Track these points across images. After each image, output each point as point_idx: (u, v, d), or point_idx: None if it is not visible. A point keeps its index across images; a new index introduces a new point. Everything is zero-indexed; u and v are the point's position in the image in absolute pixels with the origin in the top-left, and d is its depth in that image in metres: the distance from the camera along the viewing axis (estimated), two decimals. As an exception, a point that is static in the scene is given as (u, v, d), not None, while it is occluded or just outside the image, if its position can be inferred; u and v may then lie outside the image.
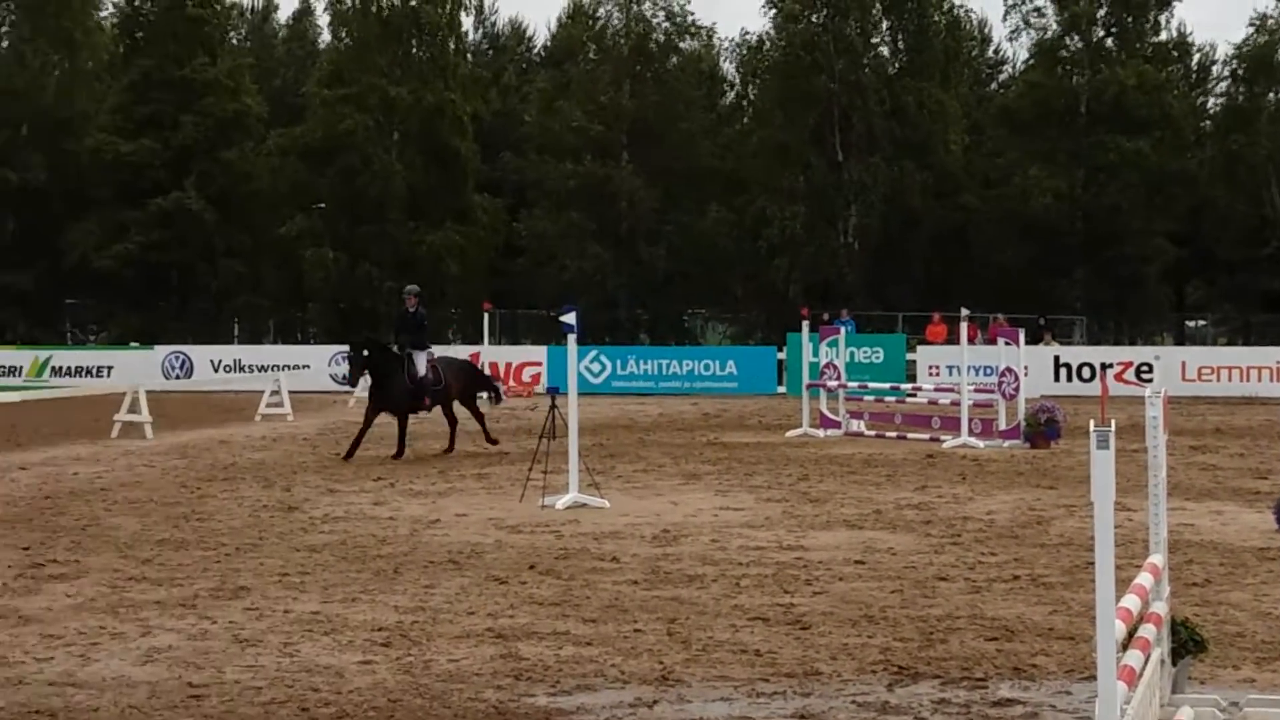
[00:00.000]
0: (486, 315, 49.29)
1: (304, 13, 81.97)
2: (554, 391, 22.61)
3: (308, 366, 49.29)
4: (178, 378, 51.31)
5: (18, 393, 36.13)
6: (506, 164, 67.52)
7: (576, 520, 18.24)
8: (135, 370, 48.73)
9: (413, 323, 27.49)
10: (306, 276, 63.21)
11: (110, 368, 52.79)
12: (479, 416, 28.66)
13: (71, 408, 38.54)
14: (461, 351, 49.27)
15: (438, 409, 28.13)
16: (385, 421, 27.61)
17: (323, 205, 63.41)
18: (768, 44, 65.50)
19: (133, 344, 57.25)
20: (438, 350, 29.15)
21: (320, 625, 12.25)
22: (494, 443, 28.17)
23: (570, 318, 20.28)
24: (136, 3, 67.78)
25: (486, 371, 31.36)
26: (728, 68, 71.40)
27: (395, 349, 27.33)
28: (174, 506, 19.93)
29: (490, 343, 50.15)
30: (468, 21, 71.33)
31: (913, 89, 62.24)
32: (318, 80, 65.78)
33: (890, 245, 62.85)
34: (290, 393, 39.04)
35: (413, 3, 64.51)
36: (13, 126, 65.09)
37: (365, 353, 27.21)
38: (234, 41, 73.43)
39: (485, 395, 30.40)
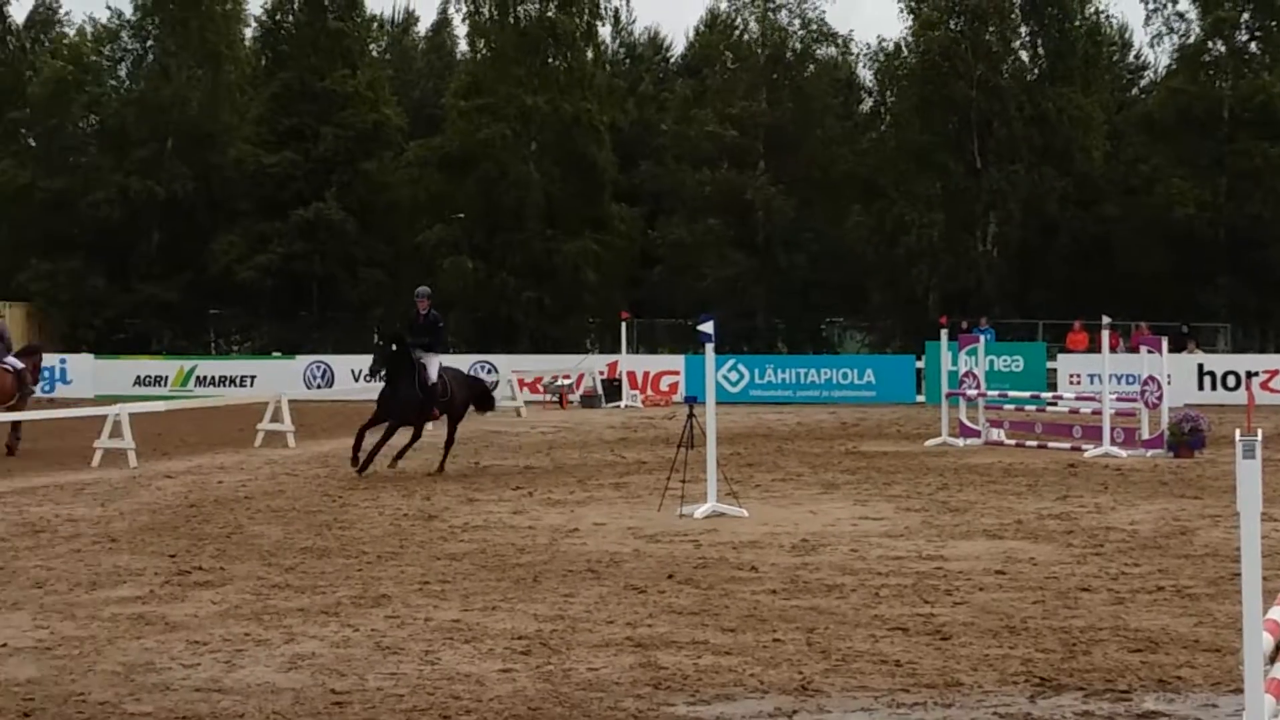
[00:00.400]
0: (624, 324, 49.40)
1: (442, 24, 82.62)
2: (692, 401, 22.62)
3: (447, 376, 49.59)
4: (319, 387, 51.84)
5: (164, 402, 36.68)
6: (643, 173, 67.59)
7: (715, 529, 18.23)
8: (277, 379, 49.28)
9: (425, 327, 26.03)
10: (444, 286, 63.59)
11: (253, 377, 53.46)
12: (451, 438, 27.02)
13: (216, 417, 39.06)
14: (600, 361, 49.55)
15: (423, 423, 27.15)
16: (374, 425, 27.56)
17: (461, 215, 63.78)
18: (905, 51, 65.15)
19: (275, 353, 57.92)
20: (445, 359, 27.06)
21: (461, 633, 12.32)
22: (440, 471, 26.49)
23: (708, 327, 20.28)
24: (278, 16, 68.58)
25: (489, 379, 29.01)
26: (865, 75, 71.13)
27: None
28: (316, 515, 20.14)
29: (628, 352, 50.23)
30: (604, 31, 71.56)
31: (1053, 95, 61.58)
32: (455, 91, 66.17)
33: (1030, 253, 62.24)
34: (430, 402, 39.22)
35: (550, 14, 64.74)
36: (158, 140, 66.00)
37: (393, 347, 25.62)
38: (374, 53, 74.00)
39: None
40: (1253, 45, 62.79)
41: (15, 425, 30.45)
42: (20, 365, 31.40)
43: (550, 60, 65.10)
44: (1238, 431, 7.37)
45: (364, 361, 54.35)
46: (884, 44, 66.95)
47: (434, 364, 25.85)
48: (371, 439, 25.34)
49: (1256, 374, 43.76)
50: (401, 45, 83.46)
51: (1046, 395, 36.23)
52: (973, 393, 32.00)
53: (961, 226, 62.04)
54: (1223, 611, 12.77)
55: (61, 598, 14.13)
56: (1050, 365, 46.86)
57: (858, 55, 69.46)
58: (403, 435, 26.51)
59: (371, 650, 11.76)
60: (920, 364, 46.88)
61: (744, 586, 14.33)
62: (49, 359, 56.01)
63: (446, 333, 26.98)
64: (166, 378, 54.00)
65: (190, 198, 65.49)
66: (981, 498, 21.61)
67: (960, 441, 31.19)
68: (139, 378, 53.83)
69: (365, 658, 11.51)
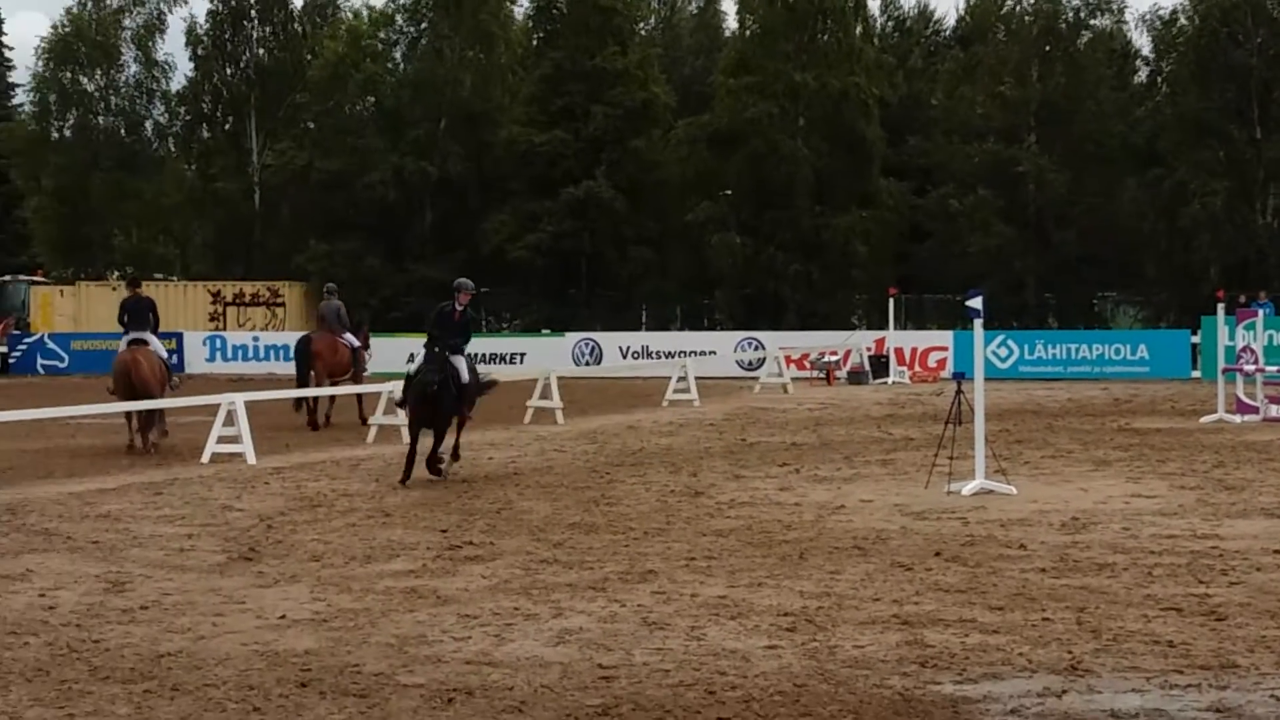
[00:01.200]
0: (891, 300, 49.11)
1: (710, 1, 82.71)
2: (960, 377, 22.38)
3: (714, 352, 49.82)
4: (587, 364, 52.37)
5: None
6: (912, 148, 67.09)
7: (983, 507, 18.05)
8: (546, 357, 49.93)
9: (458, 325, 22.79)
10: (712, 263, 63.73)
11: (523, 354, 54.17)
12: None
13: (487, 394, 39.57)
14: (867, 337, 49.30)
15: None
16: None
17: (729, 192, 63.89)
18: (1182, 18, 63.81)
19: (544, 331, 58.61)
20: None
21: (726, 609, 12.35)
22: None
23: (977, 302, 20.08)
24: (548, -4, 69.31)
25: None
26: (1140, 43, 69.72)
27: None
28: (584, 491, 20.34)
29: (895, 328, 49.94)
30: (874, 5, 71.17)
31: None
32: (724, 69, 66.29)
33: (1313, 224, 60.61)
34: (697, 378, 39.44)
35: (819, -11, 64.57)
36: (432, 121, 67.14)
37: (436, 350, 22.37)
38: (643, 32, 74.34)
39: None
40: None
41: (358, 399, 33.37)
42: (356, 342, 34.40)
43: (819, 36, 64.86)
44: None
45: (632, 339, 55.36)
46: (1160, 11, 65.72)
47: (463, 365, 22.78)
48: (423, 444, 22.27)
49: None
50: (670, 23, 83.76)
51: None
52: (1251, 368, 31.24)
53: (1241, 197, 60.52)
54: None
55: (338, 571, 14.46)
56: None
57: (1133, 24, 68.20)
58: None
59: (638, 625, 11.84)
60: (1196, 339, 45.88)
61: (1012, 564, 14.18)
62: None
63: (470, 337, 23.62)
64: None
65: (463, 177, 66.48)
66: (1259, 475, 21.11)
67: (1237, 418, 30.47)
68: (412, 355, 54.61)
69: (632, 633, 11.60)
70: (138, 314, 28.58)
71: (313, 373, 33.06)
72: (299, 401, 32.50)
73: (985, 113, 63.37)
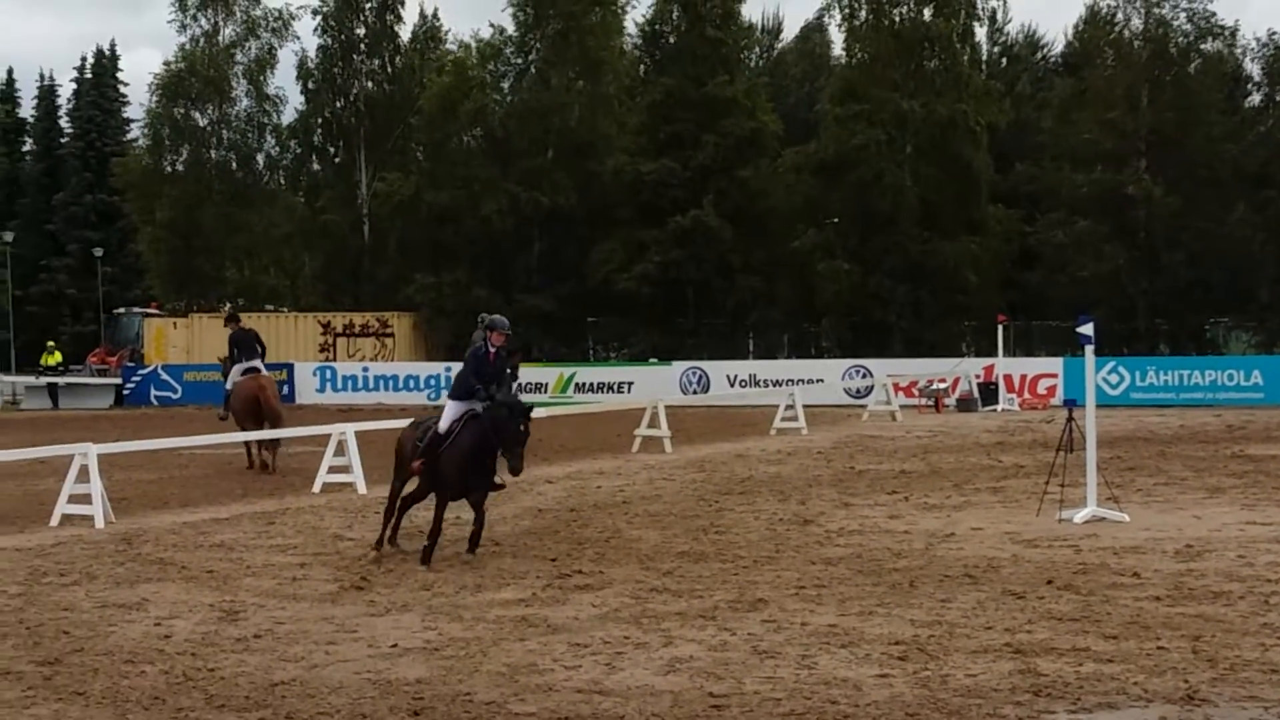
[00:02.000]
0: (1001, 327, 48.80)
1: (812, 29, 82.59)
2: (1071, 404, 22.21)
3: (821, 380, 49.67)
4: (695, 392, 52.35)
5: (544, 408, 37.42)
6: (1020, 174, 66.74)
7: (1095, 534, 17.90)
8: (654, 385, 49.96)
9: (496, 373, 17.75)
10: (819, 290, 63.61)
11: (630, 383, 54.24)
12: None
13: (595, 423, 39.70)
14: (976, 364, 49.00)
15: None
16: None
17: (835, 220, 63.78)
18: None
19: (651, 360, 58.66)
20: None
21: (837, 638, 12.33)
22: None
23: (1088, 329, 19.97)
24: (658, 25, 69.37)
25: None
26: (1252, 68, 69.07)
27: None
28: (693, 519, 20.33)
29: (1005, 355, 49.63)
30: (980, 32, 70.83)
31: None
32: (831, 97, 66.21)
33: None
34: (804, 406, 39.35)
35: (925, 16, 64.37)
36: (540, 151, 67.42)
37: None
38: (750, 61, 74.34)
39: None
40: None
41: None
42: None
43: (925, 63, 64.68)
44: None
45: (739, 367, 55.29)
46: (1274, 36, 65.12)
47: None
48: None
49: None
50: (774, 51, 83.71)
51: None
52: (1368, 393, 30.84)
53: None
54: None
55: (448, 599, 14.54)
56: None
57: (1244, 49, 67.63)
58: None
59: (748, 654, 11.84)
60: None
61: (1126, 592, 14.06)
62: (436, 366, 57.78)
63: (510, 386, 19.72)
64: (547, 384, 55.13)
65: (570, 207, 66.66)
66: (1378, 502, 20.83)
67: (1355, 444, 30.08)
68: (519, 385, 54.99)
69: (742, 661, 11.59)
70: (247, 345, 29.29)
71: None
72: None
73: (1094, 138, 62.91)
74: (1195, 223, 62.03)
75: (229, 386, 29.69)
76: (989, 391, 47.19)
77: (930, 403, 47.38)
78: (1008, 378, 48.21)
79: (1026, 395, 48.12)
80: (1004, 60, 77.40)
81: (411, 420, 20.04)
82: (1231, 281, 62.78)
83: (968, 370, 48.65)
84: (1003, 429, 37.75)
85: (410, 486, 18.16)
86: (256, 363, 29.27)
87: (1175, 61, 64.46)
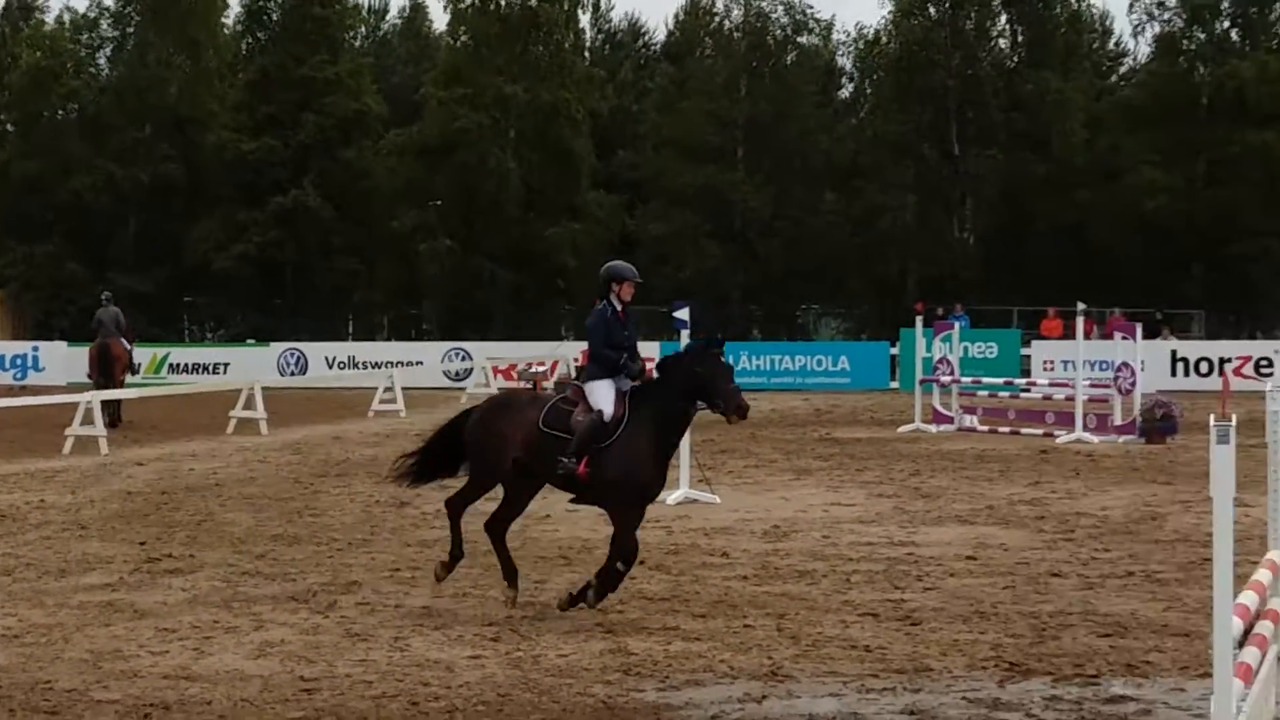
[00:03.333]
0: (600, 311, 49.33)
1: (417, 9, 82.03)
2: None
3: (421, 363, 49.59)
4: (292, 374, 51.76)
5: (136, 389, 36.63)
6: (621, 161, 67.58)
7: (687, 516, 18.23)
8: (251, 367, 49.16)
9: (630, 334, 13.95)
10: (420, 272, 63.48)
11: (227, 364, 53.34)
12: None
13: (189, 404, 38.94)
14: (575, 349, 49.41)
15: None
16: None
17: (438, 202, 63.66)
18: (885, 38, 65.31)
19: (249, 341, 57.79)
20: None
21: (431, 620, 12.34)
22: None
23: (683, 313, 20.33)
24: (260, 2, 68.27)
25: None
26: (844, 62, 71.17)
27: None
28: (287, 502, 20.11)
29: (604, 338, 50.17)
30: (585, 19, 71.44)
31: (1033, 79, 61.77)
32: (435, 80, 65.97)
33: (1006, 240, 62.42)
34: (403, 389, 39.22)
35: (531, 1, 64.60)
36: (137, 127, 65.75)
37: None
38: (355, 42, 73.62)
39: None
40: (1232, 33, 62.88)
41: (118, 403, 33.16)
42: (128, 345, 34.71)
43: (531, 48, 64.92)
44: (1212, 417, 7.37)
45: (338, 349, 54.85)
46: (864, 31, 67.28)
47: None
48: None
49: (1230, 360, 43.85)
50: (380, 31, 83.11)
51: (1020, 382, 36.31)
52: (947, 379, 32.04)
53: (939, 212, 62.26)
54: (1192, 597, 12.81)
55: (30, 585, 14.10)
56: (1024, 352, 46.93)
57: (838, 43, 69.66)
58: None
59: (341, 637, 11.76)
60: (895, 350, 46.84)
61: (715, 572, 14.35)
62: (23, 346, 56.01)
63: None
64: (140, 365, 53.80)
65: (168, 183, 65.10)
66: (953, 484, 21.65)
67: (933, 428, 31.21)
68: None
69: (334, 644, 11.51)
70: None
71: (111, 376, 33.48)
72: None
73: (694, 128, 64.00)
74: (789, 212, 63.63)
75: None
76: (587, 375, 47.65)
77: (529, 386, 47.62)
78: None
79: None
80: (607, 47, 78.20)
81: (486, 404, 14.42)
82: (822, 270, 64.59)
83: (566, 354, 49.03)
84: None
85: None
86: None
87: (773, 53, 65.99)
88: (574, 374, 47.03)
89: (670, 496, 19.29)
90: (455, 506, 13.53)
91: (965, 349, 37.67)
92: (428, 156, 63.79)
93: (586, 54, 71.50)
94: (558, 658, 11.04)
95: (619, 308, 13.74)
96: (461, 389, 44.90)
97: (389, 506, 19.49)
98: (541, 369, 47.64)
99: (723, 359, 13.25)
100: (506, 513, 13.57)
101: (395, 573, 14.52)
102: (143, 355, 53.63)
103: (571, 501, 13.62)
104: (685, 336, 20.55)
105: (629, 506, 12.84)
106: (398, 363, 46.97)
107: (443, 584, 13.31)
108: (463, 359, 50.62)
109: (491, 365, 45.37)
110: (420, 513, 18.81)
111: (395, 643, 11.53)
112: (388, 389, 38.63)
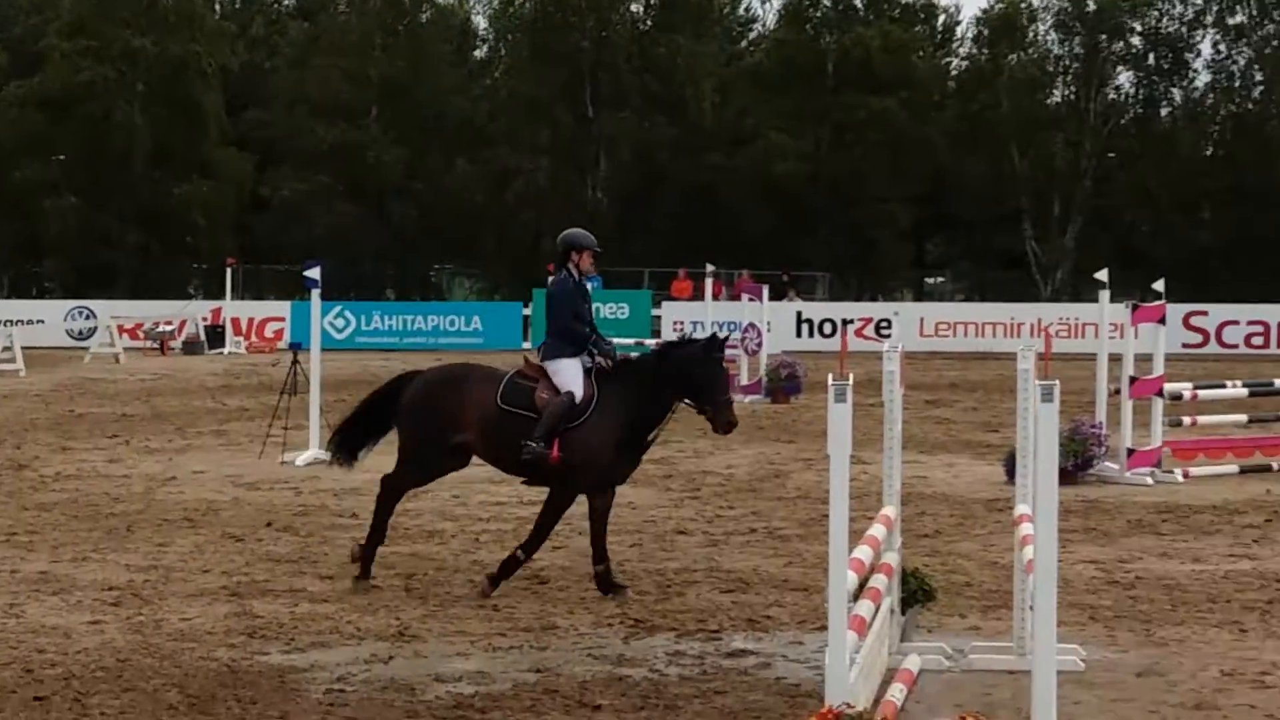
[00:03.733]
0: (229, 270, 48.56)
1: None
2: (296, 347, 22.35)
3: (43, 321, 48.24)
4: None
5: None
6: (253, 119, 66.58)
7: (317, 477, 18.05)
8: None
9: (589, 306, 13.34)
10: (43, 228, 61.75)
11: None
12: None
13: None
14: (204, 307, 48.60)
15: None
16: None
17: (62, 157, 61.91)
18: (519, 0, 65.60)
19: None
20: None
21: (48, 585, 12.04)
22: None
23: (314, 273, 20.14)
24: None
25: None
26: (480, 22, 71.20)
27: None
28: (-111, 466, 19.38)
29: (233, 298, 49.43)
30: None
31: (665, 42, 62.60)
32: (58, 31, 64.04)
33: (638, 200, 63.23)
34: (23, 348, 38.07)
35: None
36: None
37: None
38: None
39: None
40: (857, 1, 64.61)
41: None
42: None
43: (159, 0, 63.45)
44: (830, 376, 7.57)
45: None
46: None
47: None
48: None
49: (851, 321, 45.02)
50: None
51: (650, 342, 36.76)
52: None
53: (572, 173, 62.78)
54: (811, 552, 13.15)
55: None
56: (655, 313, 47.55)
57: (475, 2, 69.67)
58: None
59: (-49, 605, 11.39)
60: (527, 311, 47.05)
61: (344, 534, 14.26)
62: None
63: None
64: None
65: None
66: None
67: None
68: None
69: (-56, 613, 11.14)
70: None
71: None
72: None
73: (328, 86, 63.37)
74: (423, 173, 63.53)
75: None
76: (216, 334, 46.81)
77: (156, 345, 46.65)
78: (235, 321, 47.93)
79: (254, 338, 48.04)
80: (238, 2, 76.78)
81: (428, 374, 13.32)
82: (456, 230, 64.65)
83: (195, 313, 48.12)
84: (229, 372, 37.59)
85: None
86: None
87: (408, 11, 65.71)
88: (202, 333, 46.22)
89: (299, 458, 19.14)
90: (389, 486, 12.66)
91: (597, 309, 37.93)
92: (50, 109, 61.99)
93: (217, 6, 70.25)
94: (181, 622, 10.86)
95: (577, 278, 12.95)
96: (85, 348, 43.79)
97: (7, 469, 18.92)
98: (169, 328, 46.69)
99: (723, 364, 12.77)
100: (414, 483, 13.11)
101: (12, 537, 14.10)
102: None
103: (524, 483, 13.00)
104: (315, 296, 20.34)
105: (589, 491, 12.11)
106: (17, 321, 45.53)
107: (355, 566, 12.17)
108: (87, 317, 49.29)
109: (117, 324, 44.26)
110: (39, 476, 18.32)
111: (10, 609, 11.21)
112: (6, 348, 37.45)
